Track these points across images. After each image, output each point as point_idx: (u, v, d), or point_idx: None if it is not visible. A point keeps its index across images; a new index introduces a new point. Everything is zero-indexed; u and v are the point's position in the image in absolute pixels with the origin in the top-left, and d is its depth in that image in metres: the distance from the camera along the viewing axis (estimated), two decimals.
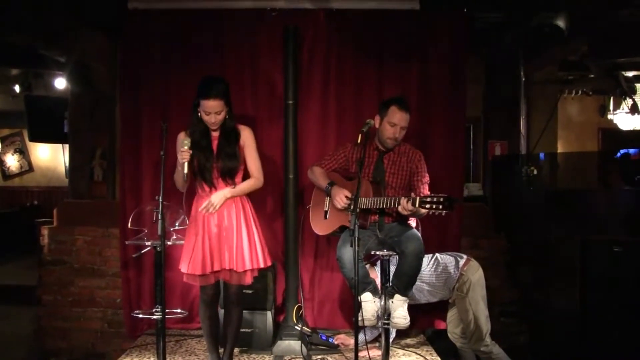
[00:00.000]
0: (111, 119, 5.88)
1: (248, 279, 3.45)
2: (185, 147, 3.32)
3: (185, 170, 3.33)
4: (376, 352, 3.84)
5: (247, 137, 3.50)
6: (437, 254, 4.08)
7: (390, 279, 3.63)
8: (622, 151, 6.06)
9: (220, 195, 3.38)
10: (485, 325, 3.97)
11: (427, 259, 3.96)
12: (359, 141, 3.38)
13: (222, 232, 3.38)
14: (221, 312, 3.79)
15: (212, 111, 3.33)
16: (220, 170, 3.39)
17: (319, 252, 4.54)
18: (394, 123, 3.66)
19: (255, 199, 3.64)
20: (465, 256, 4.08)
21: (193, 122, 3.43)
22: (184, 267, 3.40)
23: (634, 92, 6.85)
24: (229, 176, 3.41)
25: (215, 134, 3.45)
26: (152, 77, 4.51)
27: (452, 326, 4.25)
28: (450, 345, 4.32)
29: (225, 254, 3.37)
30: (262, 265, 3.47)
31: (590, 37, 5.36)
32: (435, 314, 4.49)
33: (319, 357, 3.94)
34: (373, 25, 4.48)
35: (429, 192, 3.65)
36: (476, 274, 3.99)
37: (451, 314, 4.25)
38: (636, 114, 6.97)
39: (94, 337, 4.80)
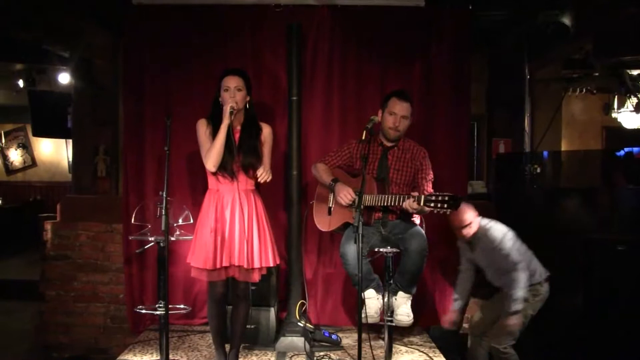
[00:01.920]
0: (114, 114, 5.88)
1: (256, 277, 3.45)
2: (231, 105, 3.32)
3: (230, 110, 3.30)
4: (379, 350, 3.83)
5: (268, 134, 3.55)
6: (531, 256, 3.97)
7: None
8: (625, 149, 6.04)
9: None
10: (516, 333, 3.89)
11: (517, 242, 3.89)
12: (363, 137, 3.37)
13: (235, 228, 3.38)
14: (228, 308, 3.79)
15: (232, 85, 3.37)
16: (242, 164, 3.40)
17: (322, 248, 4.54)
18: (394, 112, 3.67)
19: (260, 195, 3.64)
20: (547, 272, 3.97)
21: (213, 116, 3.44)
22: (192, 261, 3.40)
23: (639, 90, 6.84)
24: (251, 169, 3.43)
25: (237, 127, 3.46)
26: (155, 73, 4.51)
27: (479, 316, 4.16)
28: (453, 343, 4.32)
29: (235, 250, 3.36)
30: (271, 264, 3.48)
31: (595, 35, 5.34)
32: (439, 312, 4.50)
33: (321, 353, 3.94)
34: (377, 22, 4.47)
35: (432, 190, 3.65)
36: (546, 293, 3.93)
37: (489, 304, 4.16)
38: None
39: (96, 333, 4.80)
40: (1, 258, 8.70)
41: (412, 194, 3.37)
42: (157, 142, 4.44)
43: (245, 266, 3.37)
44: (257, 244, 3.40)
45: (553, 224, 4.74)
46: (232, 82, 3.39)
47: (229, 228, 3.37)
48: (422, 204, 3.29)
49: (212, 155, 3.34)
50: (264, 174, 3.39)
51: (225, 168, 3.37)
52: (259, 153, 3.46)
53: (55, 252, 4.84)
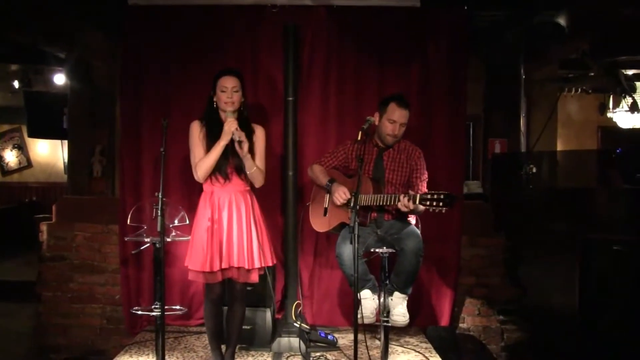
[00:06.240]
0: (111, 115, 5.88)
1: (255, 277, 3.45)
2: (232, 117, 3.30)
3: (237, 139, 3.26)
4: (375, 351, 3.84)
5: (259, 136, 3.51)
6: None
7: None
8: (621, 149, 6.06)
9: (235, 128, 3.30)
10: None
11: None
12: (359, 138, 3.37)
13: (232, 229, 3.37)
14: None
15: (229, 85, 3.35)
16: (235, 167, 3.39)
17: (319, 249, 4.54)
18: (393, 120, 3.66)
19: (255, 196, 3.64)
20: None
21: (207, 114, 3.43)
22: (190, 264, 3.38)
23: (634, 90, 6.86)
24: (243, 172, 3.41)
25: None
26: (152, 74, 4.49)
27: None
28: (450, 343, 4.32)
29: (234, 252, 3.36)
30: (269, 264, 3.48)
31: (591, 35, 5.36)
32: (435, 312, 4.50)
33: (317, 354, 3.94)
34: (374, 22, 4.47)
35: (426, 190, 3.65)
36: None
37: None
38: (636, 112, 6.98)
39: (93, 334, 4.80)
40: None
41: (409, 192, 3.37)
42: (153, 142, 4.41)
43: (246, 267, 3.37)
44: (256, 244, 3.40)
45: (549, 224, 4.75)
46: (230, 83, 3.37)
47: (226, 229, 3.36)
48: (417, 202, 3.29)
49: (203, 167, 3.34)
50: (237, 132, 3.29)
51: (219, 170, 3.36)
52: (252, 154, 3.43)
53: (52, 253, 4.83)
